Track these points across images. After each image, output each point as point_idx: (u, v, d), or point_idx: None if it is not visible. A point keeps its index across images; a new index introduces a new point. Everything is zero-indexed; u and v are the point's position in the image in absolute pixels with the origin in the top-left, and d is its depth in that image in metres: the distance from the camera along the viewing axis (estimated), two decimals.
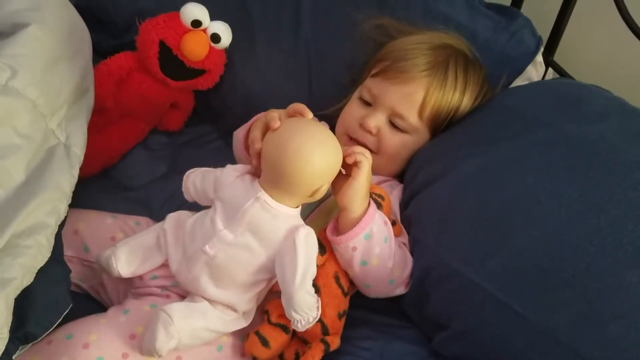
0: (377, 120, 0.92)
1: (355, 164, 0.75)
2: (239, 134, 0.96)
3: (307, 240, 0.71)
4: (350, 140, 0.95)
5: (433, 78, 0.91)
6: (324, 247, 0.79)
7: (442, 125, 0.94)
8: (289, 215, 0.73)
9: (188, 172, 0.81)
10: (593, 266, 0.69)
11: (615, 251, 0.69)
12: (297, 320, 0.71)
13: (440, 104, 0.91)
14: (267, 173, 0.73)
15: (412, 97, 0.91)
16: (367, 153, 0.76)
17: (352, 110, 0.96)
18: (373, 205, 0.78)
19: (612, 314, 0.67)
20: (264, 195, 0.71)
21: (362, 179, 0.75)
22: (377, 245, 0.77)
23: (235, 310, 0.76)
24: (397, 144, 0.93)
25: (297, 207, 0.74)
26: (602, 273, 0.68)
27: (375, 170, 0.94)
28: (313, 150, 0.69)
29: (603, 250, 0.69)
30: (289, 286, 0.69)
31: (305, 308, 0.70)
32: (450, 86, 0.92)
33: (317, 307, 0.72)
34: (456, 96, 0.92)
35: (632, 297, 0.67)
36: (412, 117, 0.91)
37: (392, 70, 0.92)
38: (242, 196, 0.73)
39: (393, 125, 0.93)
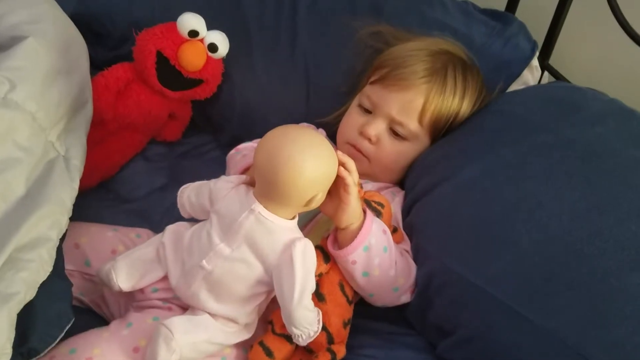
0: (377, 128, 0.92)
1: (344, 187, 0.73)
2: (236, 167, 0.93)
3: (304, 254, 0.69)
4: (351, 148, 0.95)
5: (432, 84, 0.91)
6: (328, 255, 0.78)
7: (441, 131, 0.94)
8: (285, 227, 0.72)
9: (181, 188, 0.81)
10: (596, 268, 0.69)
11: (618, 253, 0.69)
12: (298, 335, 0.70)
13: (440, 110, 0.91)
14: (260, 184, 0.71)
15: (412, 104, 0.91)
16: (353, 170, 0.74)
17: (352, 119, 0.96)
18: (370, 216, 0.77)
19: (616, 316, 0.67)
20: (258, 207, 0.70)
21: (354, 201, 0.74)
22: (376, 256, 0.77)
23: (237, 323, 0.75)
24: (396, 153, 0.93)
25: (293, 217, 0.73)
26: (605, 275, 0.68)
27: (373, 178, 0.95)
28: (305, 159, 0.68)
29: (605, 253, 0.69)
30: (288, 303, 0.68)
31: (305, 324, 0.70)
32: (450, 92, 0.92)
33: (318, 321, 0.71)
34: (455, 102, 0.93)
35: (635, 299, 0.67)
36: (412, 124, 0.91)
37: (391, 78, 0.92)
38: (237, 209, 0.72)
39: (393, 132, 0.93)
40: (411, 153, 0.94)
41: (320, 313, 0.72)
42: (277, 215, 0.71)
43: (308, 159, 0.68)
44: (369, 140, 0.93)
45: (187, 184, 0.81)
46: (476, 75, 0.97)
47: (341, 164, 0.72)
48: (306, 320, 0.69)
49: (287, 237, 0.71)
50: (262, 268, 0.72)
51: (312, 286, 0.70)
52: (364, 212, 0.77)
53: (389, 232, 0.80)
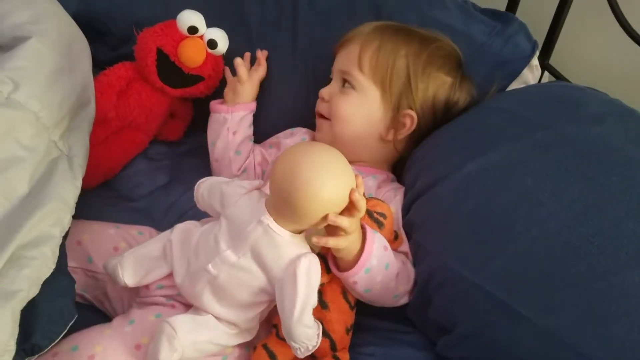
0: (330, 88, 0.98)
1: (350, 212, 0.71)
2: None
3: (308, 271, 0.69)
4: (317, 115, 1.00)
5: (369, 36, 0.95)
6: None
7: (392, 89, 0.93)
8: (292, 241, 0.71)
9: (199, 182, 0.81)
10: (595, 266, 0.69)
11: (617, 251, 0.69)
12: (297, 348, 0.70)
13: (377, 59, 0.93)
14: (274, 198, 0.71)
15: (351, 54, 0.95)
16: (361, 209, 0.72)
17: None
18: (370, 236, 0.76)
19: (615, 314, 0.67)
20: (267, 219, 0.70)
21: (352, 234, 0.72)
22: (378, 274, 0.77)
23: (238, 327, 0.76)
24: (345, 103, 0.95)
25: (301, 232, 0.73)
26: (604, 273, 0.68)
27: (342, 148, 0.90)
28: (322, 183, 0.67)
29: (605, 250, 0.69)
30: (288, 319, 0.68)
31: (304, 339, 0.69)
32: (389, 46, 0.94)
33: (318, 335, 0.71)
34: (399, 58, 0.93)
35: (634, 297, 0.67)
36: (355, 71, 0.95)
37: (340, 43, 0.99)
38: (247, 217, 0.72)
39: (344, 85, 0.97)
40: (360, 105, 0.95)
41: (320, 327, 0.72)
42: (285, 229, 0.71)
43: (325, 183, 0.67)
44: (323, 99, 0.98)
45: (205, 178, 0.81)
46: (444, 50, 0.97)
47: (352, 201, 0.70)
48: (305, 336, 0.69)
49: (293, 252, 0.71)
50: (265, 278, 0.72)
51: (313, 303, 0.69)
52: (364, 229, 0.76)
53: (389, 247, 0.79)
